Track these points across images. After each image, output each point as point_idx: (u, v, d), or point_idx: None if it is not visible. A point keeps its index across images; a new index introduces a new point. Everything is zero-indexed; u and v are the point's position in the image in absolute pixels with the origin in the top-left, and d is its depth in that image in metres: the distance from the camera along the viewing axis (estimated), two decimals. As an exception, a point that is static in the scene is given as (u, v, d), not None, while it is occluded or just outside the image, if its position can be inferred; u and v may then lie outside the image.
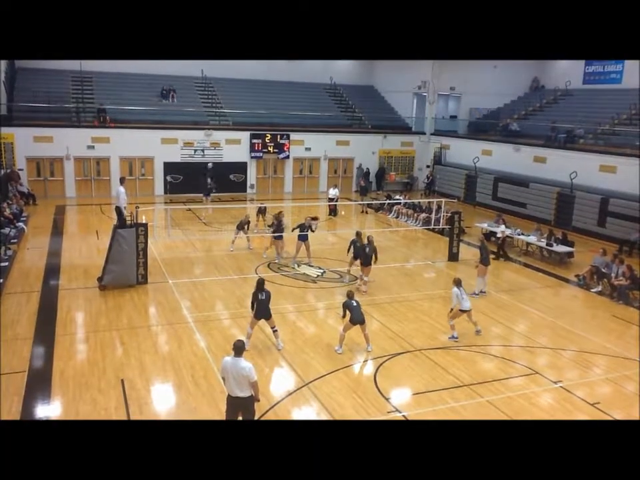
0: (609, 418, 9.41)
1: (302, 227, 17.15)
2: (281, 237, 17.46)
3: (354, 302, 11.45)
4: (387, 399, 9.79)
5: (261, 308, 11.34)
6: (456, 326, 12.34)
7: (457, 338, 12.23)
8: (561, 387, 10.51)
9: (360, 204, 27.41)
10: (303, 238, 17.12)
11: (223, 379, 7.87)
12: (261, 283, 11.37)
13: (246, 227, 18.53)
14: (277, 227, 17.45)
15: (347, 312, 11.41)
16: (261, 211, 21.54)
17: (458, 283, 12.29)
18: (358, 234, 15.70)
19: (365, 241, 15.40)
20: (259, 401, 7.93)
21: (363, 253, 15.08)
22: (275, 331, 11.64)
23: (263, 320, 11.44)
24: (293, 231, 17.47)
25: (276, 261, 17.40)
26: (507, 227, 20.16)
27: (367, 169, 32.26)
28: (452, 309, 12.43)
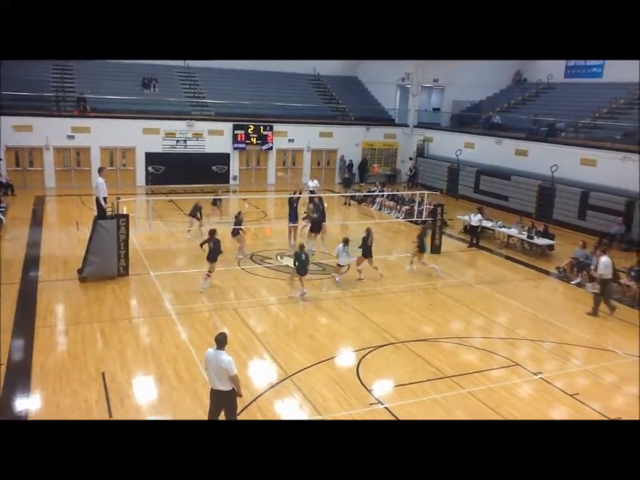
0: (588, 409, 9.57)
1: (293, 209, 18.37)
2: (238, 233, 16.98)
3: (303, 255, 13.66)
4: (370, 391, 9.83)
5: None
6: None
7: (338, 282, 14.95)
8: (541, 378, 10.64)
9: (343, 196, 27.39)
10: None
11: (206, 369, 7.83)
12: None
13: (198, 213, 18.97)
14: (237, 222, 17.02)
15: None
16: (215, 203, 21.07)
17: (345, 241, 14.78)
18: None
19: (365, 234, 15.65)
20: (240, 396, 7.76)
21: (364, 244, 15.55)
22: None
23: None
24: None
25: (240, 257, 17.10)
26: (486, 219, 20.34)
27: (350, 160, 32.27)
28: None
